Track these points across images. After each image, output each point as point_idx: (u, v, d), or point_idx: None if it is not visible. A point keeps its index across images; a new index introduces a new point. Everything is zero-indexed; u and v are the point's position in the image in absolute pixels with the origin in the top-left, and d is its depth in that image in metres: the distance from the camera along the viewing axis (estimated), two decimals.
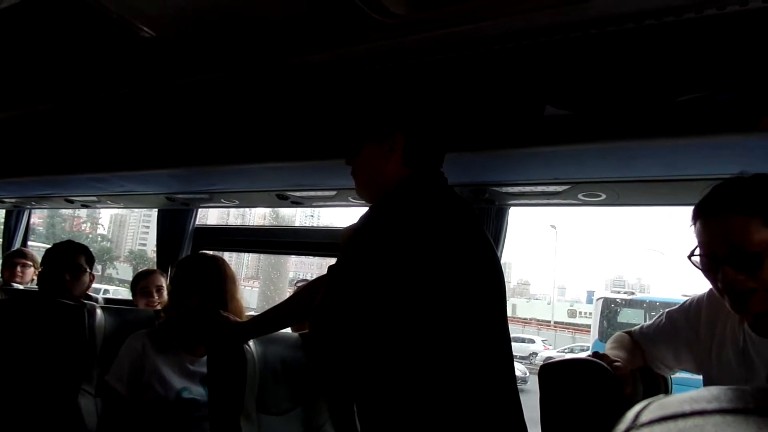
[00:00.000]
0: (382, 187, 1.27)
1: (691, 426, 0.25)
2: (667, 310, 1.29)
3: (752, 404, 0.25)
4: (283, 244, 3.10)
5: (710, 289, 1.14)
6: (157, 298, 2.54)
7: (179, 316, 1.78)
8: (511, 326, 1.31)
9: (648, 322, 1.32)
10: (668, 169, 1.51)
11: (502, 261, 1.75)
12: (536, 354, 16.14)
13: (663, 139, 1.29)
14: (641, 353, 1.27)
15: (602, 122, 1.35)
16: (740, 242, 0.96)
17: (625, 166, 1.55)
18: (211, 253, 1.97)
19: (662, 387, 1.29)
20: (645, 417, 0.27)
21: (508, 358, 1.23)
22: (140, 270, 2.85)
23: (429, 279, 1.13)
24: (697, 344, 1.18)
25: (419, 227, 1.15)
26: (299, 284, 2.29)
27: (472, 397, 1.12)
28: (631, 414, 0.28)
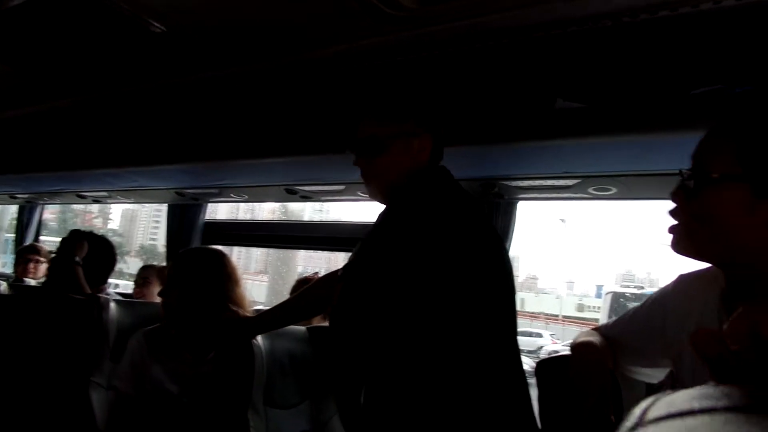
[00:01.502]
0: (396, 184, 1.27)
1: (700, 424, 0.24)
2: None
3: (764, 402, 0.25)
4: (292, 238, 3.11)
5: (678, 277, 1.04)
6: (140, 289, 2.68)
7: (173, 315, 1.72)
8: (519, 320, 1.31)
9: (614, 318, 1.18)
10: (682, 163, 1.48)
11: (511, 255, 1.74)
12: (542, 347, 16.11)
13: (677, 133, 1.27)
14: (611, 353, 1.11)
15: (614, 115, 1.33)
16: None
17: (637, 160, 1.53)
18: (214, 247, 1.95)
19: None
20: (652, 414, 0.26)
21: (518, 352, 1.23)
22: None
23: (452, 277, 1.13)
24: (663, 337, 1.03)
25: (444, 226, 1.16)
26: (302, 280, 2.30)
27: (485, 390, 1.12)
28: (638, 410, 0.27)
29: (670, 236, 0.92)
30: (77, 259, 2.30)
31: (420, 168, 1.27)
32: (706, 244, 0.88)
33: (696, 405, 0.25)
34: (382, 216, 1.22)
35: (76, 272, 2.27)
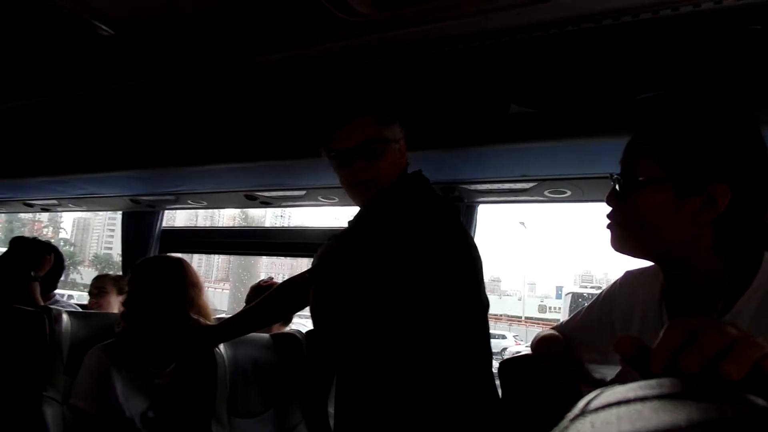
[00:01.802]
0: (385, 188, 1.26)
1: (632, 410, 0.26)
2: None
3: (690, 389, 0.27)
4: (254, 245, 3.07)
5: (625, 273, 1.10)
6: (96, 300, 2.59)
7: (137, 326, 1.66)
8: None
9: (570, 317, 1.22)
10: None
11: None
12: (506, 349, 16.38)
13: (624, 136, 1.32)
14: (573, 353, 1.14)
15: (566, 120, 1.38)
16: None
17: (588, 164, 1.58)
18: (176, 255, 1.91)
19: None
20: (593, 404, 0.28)
21: (490, 354, 1.28)
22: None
23: (444, 282, 1.17)
24: (612, 331, 1.07)
25: (439, 232, 1.19)
26: (256, 287, 2.27)
27: (463, 390, 1.16)
28: (582, 402, 0.29)
29: (609, 236, 0.97)
30: (33, 274, 2.18)
31: (401, 172, 1.29)
32: (640, 243, 0.94)
33: (632, 394, 0.27)
34: (371, 219, 1.22)
35: (31, 288, 2.16)
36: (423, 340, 1.14)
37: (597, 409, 0.27)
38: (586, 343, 1.14)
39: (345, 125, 1.25)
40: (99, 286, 2.64)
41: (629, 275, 1.10)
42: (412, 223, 1.17)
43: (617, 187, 0.94)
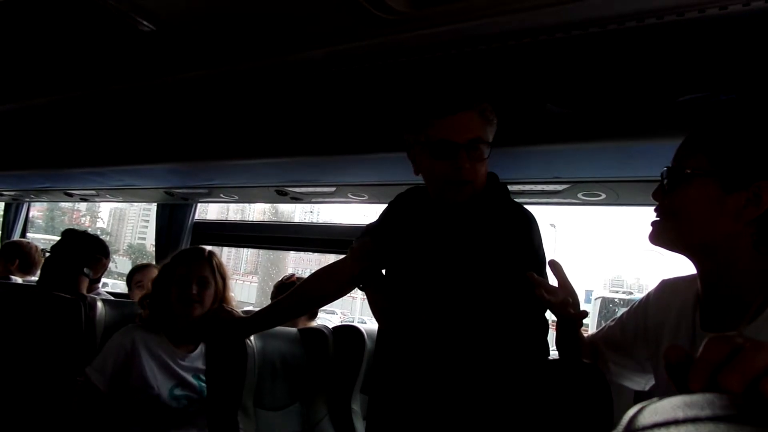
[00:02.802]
0: (478, 190, 1.27)
1: None
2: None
3: (746, 412, 0.25)
4: (283, 239, 3.10)
5: (660, 282, 1.11)
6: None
7: (162, 314, 1.76)
8: None
9: (603, 326, 1.23)
10: None
11: None
12: None
13: (663, 139, 1.29)
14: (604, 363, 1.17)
15: (603, 121, 1.34)
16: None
17: (625, 166, 1.54)
18: (208, 247, 1.95)
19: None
20: (639, 422, 0.27)
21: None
22: (136, 264, 2.90)
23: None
24: (646, 335, 1.07)
25: (535, 235, 1.26)
26: (280, 285, 2.26)
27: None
28: (625, 419, 0.28)
29: (650, 231, 0.99)
30: (86, 271, 2.21)
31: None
32: (680, 234, 0.95)
33: (680, 414, 0.26)
34: (472, 217, 1.24)
35: (79, 281, 2.19)
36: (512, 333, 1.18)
37: (644, 428, 0.26)
38: (621, 351, 1.14)
39: (452, 116, 1.22)
40: (152, 278, 2.61)
41: (664, 284, 1.10)
42: (520, 232, 1.23)
43: (665, 181, 0.95)
